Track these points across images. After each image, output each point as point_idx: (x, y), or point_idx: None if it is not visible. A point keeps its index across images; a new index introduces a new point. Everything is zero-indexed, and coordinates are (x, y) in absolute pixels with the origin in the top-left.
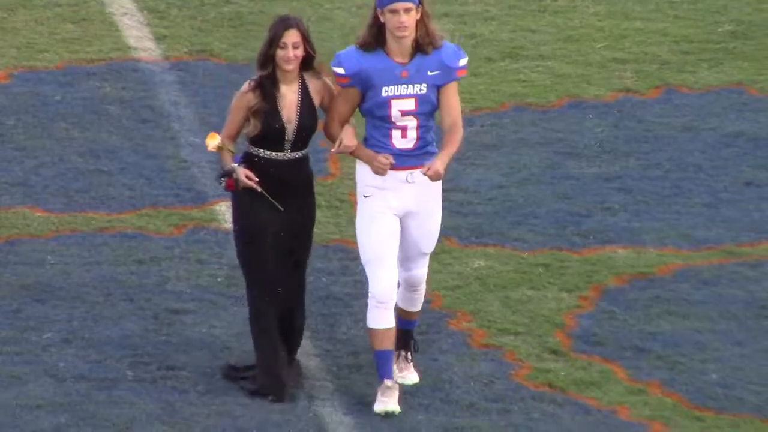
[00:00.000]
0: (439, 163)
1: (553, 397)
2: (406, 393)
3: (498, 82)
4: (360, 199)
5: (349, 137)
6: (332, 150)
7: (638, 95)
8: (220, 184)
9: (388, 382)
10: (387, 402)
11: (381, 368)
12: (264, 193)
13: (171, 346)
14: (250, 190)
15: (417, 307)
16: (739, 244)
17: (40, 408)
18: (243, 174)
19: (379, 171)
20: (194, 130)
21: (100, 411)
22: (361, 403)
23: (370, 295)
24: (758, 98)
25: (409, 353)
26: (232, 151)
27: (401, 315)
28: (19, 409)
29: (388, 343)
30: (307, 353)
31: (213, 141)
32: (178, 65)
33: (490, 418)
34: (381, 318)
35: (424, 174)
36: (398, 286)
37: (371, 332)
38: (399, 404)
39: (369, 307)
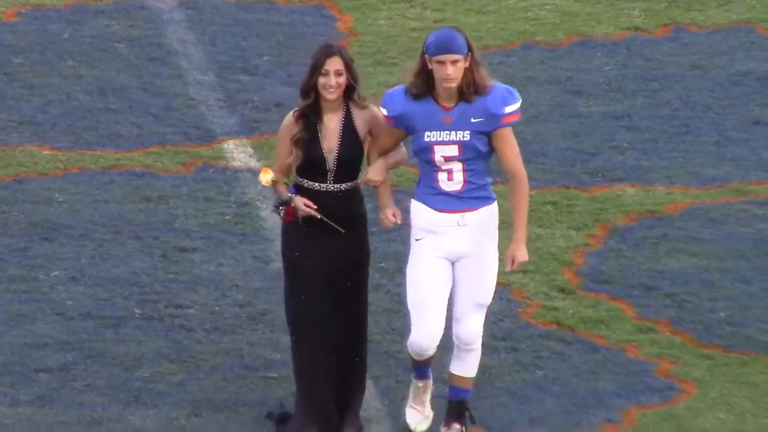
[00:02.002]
0: (519, 251)
1: (561, 336)
2: None
3: (506, 20)
4: (412, 242)
5: (375, 171)
6: (359, 181)
7: (646, 33)
8: (279, 214)
9: (419, 383)
10: (418, 419)
11: (417, 371)
12: (324, 218)
13: (179, 284)
14: (302, 224)
15: (472, 371)
16: (747, 183)
17: (47, 346)
18: (301, 202)
19: (382, 223)
20: (202, 68)
21: (107, 349)
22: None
23: (409, 341)
24: (767, 37)
25: (464, 427)
26: (286, 183)
27: (453, 382)
28: (27, 348)
29: (430, 361)
30: None
31: (266, 176)
32: (186, 3)
33: (498, 357)
34: (421, 356)
35: (511, 269)
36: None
37: (413, 359)
38: (431, 407)
39: (408, 349)
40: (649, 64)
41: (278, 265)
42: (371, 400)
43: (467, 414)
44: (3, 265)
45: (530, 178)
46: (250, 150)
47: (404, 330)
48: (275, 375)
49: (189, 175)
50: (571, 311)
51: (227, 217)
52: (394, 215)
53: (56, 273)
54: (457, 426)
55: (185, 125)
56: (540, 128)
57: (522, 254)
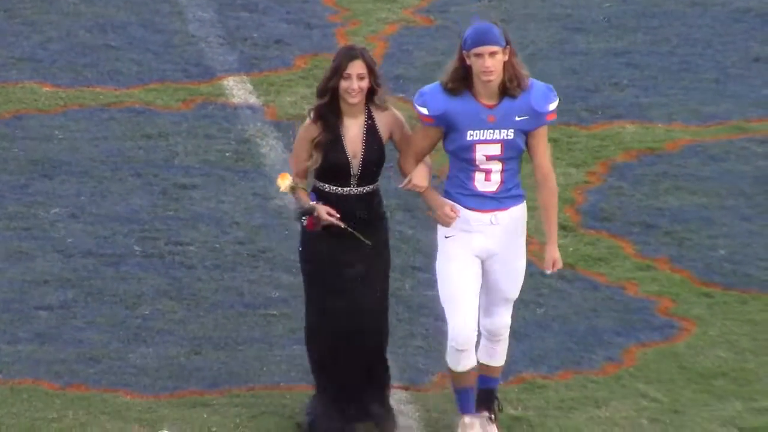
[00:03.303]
0: (557, 253)
1: (562, 273)
2: (416, 269)
3: None
4: (441, 240)
5: (419, 177)
6: (400, 186)
7: None
8: (301, 223)
9: (466, 419)
10: None
11: (461, 404)
12: (348, 228)
13: (179, 222)
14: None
15: (500, 361)
16: (747, 120)
17: (47, 283)
18: (324, 211)
19: (442, 222)
20: (202, 4)
21: (107, 286)
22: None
23: (449, 338)
24: None
25: (492, 415)
26: (305, 189)
27: (482, 371)
28: (27, 285)
29: (470, 382)
30: None
31: (285, 181)
32: None
33: None
34: (462, 361)
35: (550, 273)
36: (478, 335)
37: (453, 374)
38: None
39: (449, 350)
40: (649, 1)
41: (278, 202)
42: None
43: (496, 402)
44: (3, 202)
45: None
46: (250, 87)
47: (404, 268)
48: (275, 312)
49: (189, 112)
50: (571, 249)
51: (227, 154)
52: (453, 211)
53: (56, 210)
54: (485, 413)
55: (185, 62)
56: (540, 65)
57: (559, 257)
